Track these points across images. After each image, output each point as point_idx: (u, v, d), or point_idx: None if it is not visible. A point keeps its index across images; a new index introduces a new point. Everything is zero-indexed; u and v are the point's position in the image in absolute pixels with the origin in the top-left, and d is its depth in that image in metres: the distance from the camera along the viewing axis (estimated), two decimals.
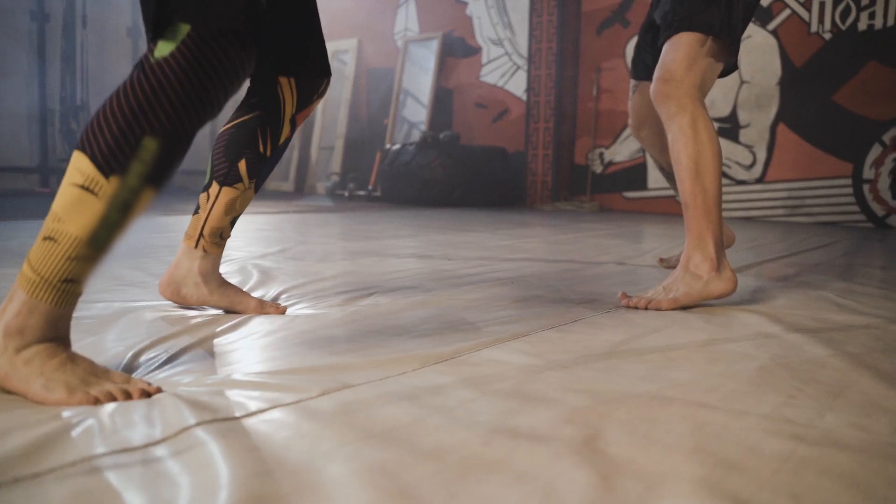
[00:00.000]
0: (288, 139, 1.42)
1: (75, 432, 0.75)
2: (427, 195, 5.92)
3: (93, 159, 0.88)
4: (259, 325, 1.29)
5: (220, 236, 1.41)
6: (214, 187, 1.39)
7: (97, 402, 0.84)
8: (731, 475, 0.69)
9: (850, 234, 4.09)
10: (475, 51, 6.82)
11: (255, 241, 2.74)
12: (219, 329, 1.26)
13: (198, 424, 0.77)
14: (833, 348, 1.22)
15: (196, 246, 1.40)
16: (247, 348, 1.14)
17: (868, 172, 4.70)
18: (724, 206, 5.26)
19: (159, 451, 0.70)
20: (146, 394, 0.87)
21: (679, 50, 1.62)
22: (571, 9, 6.13)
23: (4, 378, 0.87)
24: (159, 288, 1.43)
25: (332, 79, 7.11)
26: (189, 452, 0.70)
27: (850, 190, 4.76)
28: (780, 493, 0.65)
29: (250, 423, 0.79)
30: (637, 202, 5.85)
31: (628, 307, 1.58)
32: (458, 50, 6.95)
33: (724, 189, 5.33)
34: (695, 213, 1.61)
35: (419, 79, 7.18)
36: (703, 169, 1.60)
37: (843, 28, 4.77)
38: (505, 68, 6.63)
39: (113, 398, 0.85)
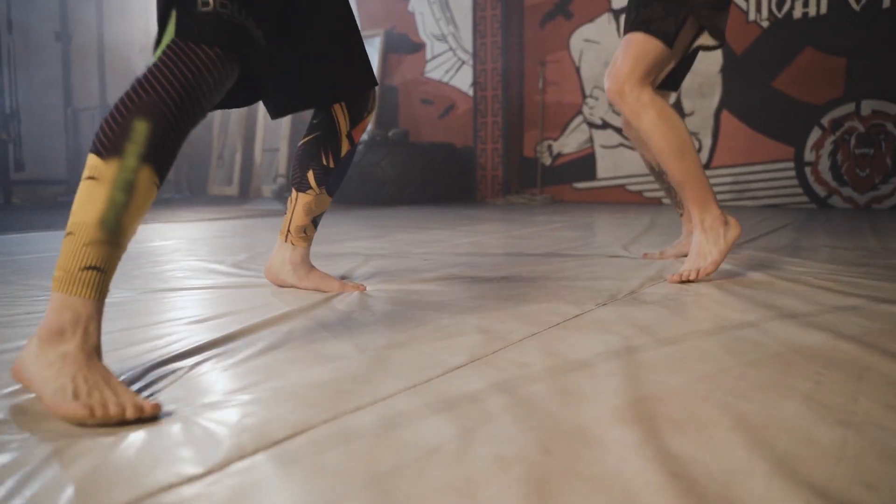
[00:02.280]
0: (350, 151, 1.66)
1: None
2: (378, 194, 5.87)
3: (94, 151, 1.00)
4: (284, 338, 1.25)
5: (304, 232, 1.71)
6: (294, 193, 1.69)
7: (92, 416, 0.83)
8: (798, 466, 0.69)
9: (797, 215, 4.23)
10: (419, 47, 6.79)
11: (219, 250, 2.66)
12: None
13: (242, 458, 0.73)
14: (833, 331, 1.24)
15: (286, 240, 1.71)
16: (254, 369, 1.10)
17: (809, 155, 4.87)
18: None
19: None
20: (140, 411, 0.84)
21: (632, 48, 1.82)
22: (514, 2, 6.15)
23: (28, 375, 0.91)
24: (265, 273, 1.78)
25: None
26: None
27: (792, 173, 4.92)
28: (853, 482, 0.66)
29: (295, 446, 0.76)
30: (587, 192, 5.93)
31: (682, 282, 1.77)
32: (401, 46, 6.91)
33: None
34: (692, 186, 1.80)
35: None
36: (684, 150, 1.79)
37: (779, 16, 4.92)
38: (450, 64, 6.63)
39: (106, 411, 0.83)
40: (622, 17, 5.63)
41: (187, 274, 2.02)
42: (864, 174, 4.70)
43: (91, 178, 0.98)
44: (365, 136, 6.67)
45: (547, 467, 0.70)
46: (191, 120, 1.06)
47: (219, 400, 0.91)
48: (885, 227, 3.44)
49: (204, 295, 1.69)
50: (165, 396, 0.93)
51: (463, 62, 6.52)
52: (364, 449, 0.74)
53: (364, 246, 2.76)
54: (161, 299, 1.64)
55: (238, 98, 1.34)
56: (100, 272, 0.95)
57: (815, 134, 4.83)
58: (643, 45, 1.79)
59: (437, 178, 6.06)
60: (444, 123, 6.68)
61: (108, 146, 0.98)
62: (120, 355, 1.13)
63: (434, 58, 6.71)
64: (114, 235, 0.96)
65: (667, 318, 1.38)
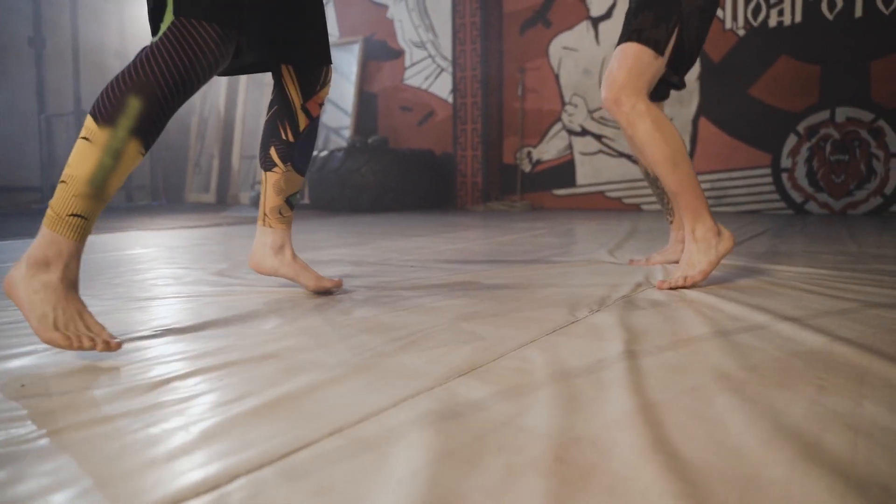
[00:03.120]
0: (309, 126, 1.67)
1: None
2: (358, 201, 5.84)
3: (92, 115, 1.14)
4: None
5: (280, 213, 1.70)
6: (263, 174, 1.69)
7: (69, 345, 1.07)
8: (812, 471, 0.69)
9: (775, 221, 4.27)
10: (398, 54, 6.79)
11: (201, 258, 2.62)
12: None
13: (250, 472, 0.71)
14: (829, 335, 1.25)
15: (264, 224, 1.71)
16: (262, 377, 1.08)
17: (786, 161, 4.93)
18: (652, 199, 5.43)
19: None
20: (107, 347, 1.08)
21: (627, 58, 1.82)
22: (493, 10, 6.17)
23: (16, 294, 1.11)
24: (249, 262, 1.75)
25: (253, 87, 6.95)
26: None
27: (769, 179, 4.98)
28: (870, 486, 0.65)
29: (318, 453, 0.74)
30: (567, 199, 5.95)
31: (670, 289, 1.76)
32: (380, 53, 6.90)
33: None
34: (685, 196, 1.80)
35: (337, 83, 7.08)
36: (678, 160, 1.79)
37: (755, 25, 4.99)
38: (429, 71, 6.63)
39: (81, 346, 1.07)
40: (600, 25, 5.67)
41: (169, 282, 1.99)
42: (840, 180, 4.77)
43: (86, 138, 1.13)
44: (345, 142, 6.64)
45: (561, 476, 0.69)
46: (183, 98, 1.18)
47: (216, 412, 0.89)
48: (862, 232, 3.49)
49: (190, 304, 1.66)
50: (165, 408, 0.91)
51: (442, 69, 6.52)
52: (373, 460, 0.73)
53: (348, 253, 2.73)
54: (145, 308, 1.61)
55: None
56: (83, 219, 1.14)
57: (792, 141, 4.90)
58: (636, 55, 1.80)
59: (418, 184, 6.05)
60: (423, 130, 6.68)
61: (105, 114, 1.13)
62: (114, 366, 1.10)
63: (413, 65, 6.70)
64: (99, 191, 1.14)
65: (662, 324, 1.38)
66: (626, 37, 1.84)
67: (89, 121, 1.15)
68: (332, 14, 7.19)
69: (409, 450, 0.75)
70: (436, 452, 0.74)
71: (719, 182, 5.17)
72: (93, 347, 1.07)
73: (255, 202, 6.88)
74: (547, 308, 1.56)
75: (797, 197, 4.91)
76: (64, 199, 1.13)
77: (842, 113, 4.74)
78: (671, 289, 1.77)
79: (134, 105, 1.13)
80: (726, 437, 0.78)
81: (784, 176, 4.94)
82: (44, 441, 0.79)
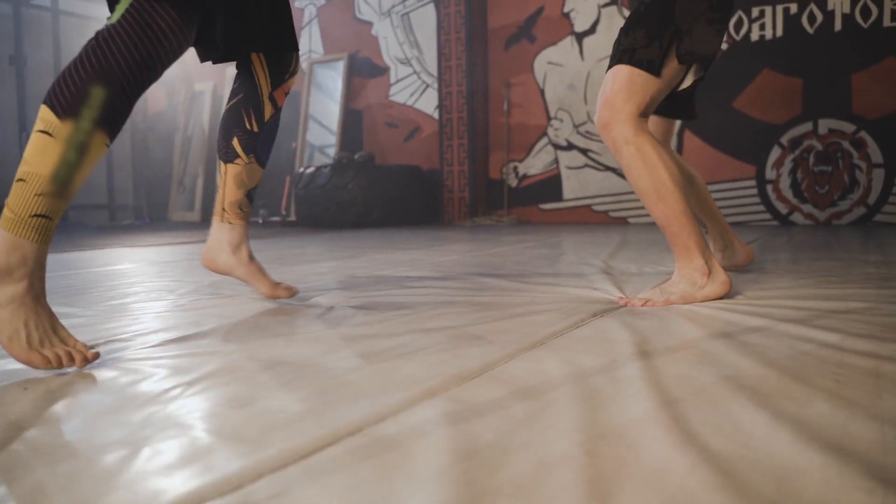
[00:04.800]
0: (273, 116, 1.59)
1: None
2: (345, 217, 5.82)
3: (51, 107, 1.05)
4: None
5: (240, 208, 1.61)
6: (222, 166, 1.60)
7: (48, 364, 1.00)
8: (847, 459, 0.68)
9: (761, 231, 4.31)
10: (383, 70, 6.80)
11: (192, 271, 2.59)
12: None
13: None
14: (837, 332, 1.25)
15: (222, 220, 1.62)
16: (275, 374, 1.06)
17: (770, 173, 4.98)
18: (638, 211, 5.45)
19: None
20: (85, 360, 1.04)
21: (617, 81, 1.70)
22: (478, 25, 6.22)
23: None
24: (202, 258, 1.66)
25: None
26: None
27: (755, 191, 5.03)
28: None
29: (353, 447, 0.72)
30: (553, 213, 5.97)
31: (627, 305, 1.64)
32: (365, 70, 6.91)
33: (637, 196, 5.52)
34: (672, 232, 1.68)
35: (322, 101, 7.08)
36: (663, 192, 1.66)
37: (737, 39, 5.06)
38: (414, 87, 6.64)
39: (60, 364, 1.01)
40: (585, 40, 5.73)
41: (164, 294, 1.96)
42: (824, 191, 4.82)
43: (45, 132, 1.04)
44: (330, 160, 6.63)
45: (594, 469, 0.68)
46: (146, 85, 1.12)
47: (229, 414, 0.87)
48: (849, 241, 3.52)
49: (189, 313, 1.63)
50: (180, 412, 0.88)
51: (427, 85, 6.54)
52: (400, 458, 0.71)
53: (341, 265, 2.71)
54: (145, 318, 1.58)
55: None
56: (48, 220, 1.05)
57: (776, 152, 4.96)
58: (628, 78, 1.68)
59: (404, 200, 6.05)
60: (409, 146, 6.68)
61: (65, 106, 1.04)
62: (127, 370, 1.07)
63: (398, 81, 6.72)
64: (64, 189, 1.06)
65: (668, 327, 1.38)
66: (616, 58, 1.72)
67: (47, 113, 1.05)
68: (317, 31, 7.20)
69: (433, 448, 0.74)
70: (461, 450, 0.73)
71: None
72: (72, 365, 1.02)
73: None
74: (549, 313, 1.55)
75: (782, 208, 4.96)
76: (24, 198, 1.04)
77: (824, 125, 4.80)
78: (630, 306, 1.63)
79: (97, 94, 1.05)
80: (754, 430, 0.77)
81: (769, 187, 4.99)
82: (61, 442, 0.77)
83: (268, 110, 1.58)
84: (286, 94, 1.61)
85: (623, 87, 1.68)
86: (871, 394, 0.90)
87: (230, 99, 1.60)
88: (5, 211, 1.05)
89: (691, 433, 0.76)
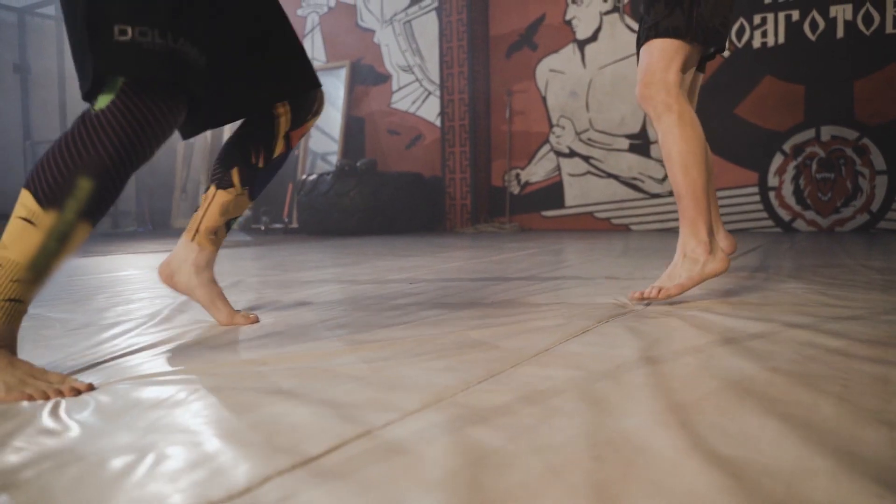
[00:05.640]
0: (284, 154, 1.50)
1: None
2: (347, 224, 5.82)
3: (34, 195, 1.02)
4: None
5: (215, 234, 1.52)
6: (212, 190, 1.50)
7: (31, 398, 0.96)
8: (857, 463, 0.68)
9: (764, 238, 4.30)
10: (385, 78, 6.82)
11: None
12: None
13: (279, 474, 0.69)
14: (844, 338, 1.25)
15: (192, 239, 1.52)
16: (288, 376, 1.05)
17: (773, 180, 4.98)
18: (641, 218, 5.45)
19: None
20: (76, 391, 0.98)
21: (653, 54, 1.77)
22: (480, 33, 6.23)
23: None
24: (158, 270, 1.56)
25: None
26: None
27: (757, 198, 5.03)
28: None
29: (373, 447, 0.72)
30: (555, 220, 5.97)
31: (641, 299, 1.72)
32: (367, 78, 6.93)
33: (639, 203, 5.53)
34: (687, 203, 1.75)
35: (323, 109, 7.08)
36: (691, 163, 1.73)
37: (739, 46, 5.07)
38: (416, 94, 6.66)
39: (46, 396, 0.96)
40: (586, 48, 5.74)
41: (168, 301, 1.96)
42: (826, 198, 4.82)
43: (27, 220, 1.02)
44: (332, 167, 6.64)
45: (602, 474, 0.67)
46: (134, 170, 1.08)
47: (235, 418, 0.87)
48: (853, 247, 3.52)
49: (195, 320, 1.63)
50: (185, 417, 0.88)
51: (429, 93, 6.56)
52: (408, 462, 0.71)
53: (344, 272, 2.71)
54: (151, 325, 1.58)
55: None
56: (21, 303, 1.03)
57: (778, 159, 4.96)
58: (661, 49, 1.75)
59: (406, 207, 6.05)
60: (411, 154, 6.69)
61: (50, 196, 1.01)
62: (135, 377, 1.07)
63: (400, 88, 6.73)
64: (40, 276, 1.04)
65: (674, 332, 1.37)
66: (644, 36, 1.80)
67: (29, 200, 1.02)
68: (319, 39, 7.22)
69: (441, 452, 0.74)
70: (468, 456, 0.73)
71: None
72: (60, 395, 0.97)
73: (244, 226, 6.85)
74: (554, 319, 1.54)
75: (785, 215, 4.95)
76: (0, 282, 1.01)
77: (827, 132, 4.80)
78: (643, 299, 1.72)
79: (84, 187, 1.02)
80: (761, 434, 0.77)
81: (772, 194, 4.98)
82: (68, 446, 0.77)
83: (279, 148, 1.49)
84: (303, 136, 1.53)
85: (659, 59, 1.75)
86: (880, 399, 0.90)
87: (240, 127, 1.50)
88: None
89: (698, 438, 0.76)
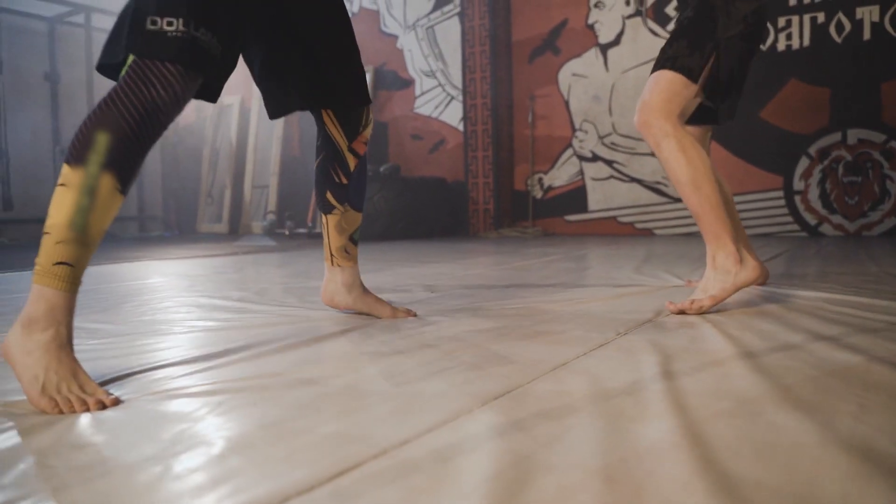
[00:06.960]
0: (359, 165, 1.70)
1: None
2: (370, 229, 5.86)
3: (66, 160, 1.13)
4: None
5: (346, 251, 1.75)
6: (322, 217, 1.75)
7: (56, 409, 1.00)
8: (871, 489, 0.68)
9: (790, 243, 4.27)
10: (408, 83, 6.85)
11: (222, 286, 2.63)
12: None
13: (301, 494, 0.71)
14: (865, 354, 1.24)
15: (332, 264, 1.76)
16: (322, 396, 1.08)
17: (798, 184, 4.93)
18: (665, 223, 5.43)
19: None
20: (103, 405, 1.02)
21: (659, 84, 1.83)
22: (502, 38, 6.25)
23: (11, 356, 1.06)
24: (322, 298, 1.81)
25: (264, 118, 7.05)
26: None
27: (782, 202, 4.98)
28: None
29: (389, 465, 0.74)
30: (579, 225, 5.96)
31: (677, 312, 1.74)
32: (390, 83, 6.97)
33: (663, 207, 5.50)
34: (707, 220, 1.78)
35: None
36: (700, 182, 1.77)
37: (763, 49, 5.02)
38: (439, 99, 6.69)
39: (73, 409, 1.00)
40: (609, 52, 5.73)
41: (193, 310, 1.99)
42: (853, 202, 4.76)
43: (62, 184, 1.11)
44: None
45: (614, 496, 0.69)
46: (151, 133, 1.17)
47: (256, 436, 0.89)
48: (880, 252, 3.47)
49: (218, 331, 1.67)
50: (208, 431, 0.91)
51: (452, 98, 6.58)
52: (423, 482, 0.73)
53: (366, 279, 2.74)
54: (174, 336, 1.61)
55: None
56: (70, 266, 1.09)
57: (804, 163, 4.91)
58: (669, 81, 1.81)
59: (429, 212, 6.08)
60: (434, 158, 6.72)
61: (76, 155, 1.11)
62: (155, 392, 1.10)
63: (423, 93, 6.77)
64: (82, 234, 1.10)
65: (693, 345, 1.38)
66: (660, 65, 1.85)
67: (64, 167, 1.13)
68: None
69: (456, 471, 0.75)
70: (484, 473, 0.74)
71: None
72: (85, 410, 1.00)
73: (269, 231, 6.92)
74: (574, 331, 1.55)
75: (811, 219, 4.90)
76: (47, 249, 1.09)
77: (853, 135, 4.75)
78: (679, 313, 1.74)
79: (101, 140, 1.11)
80: (774, 455, 0.78)
81: (797, 198, 4.94)
82: (96, 459, 0.80)
83: (351, 162, 1.68)
84: (365, 143, 1.70)
85: (664, 90, 1.81)
86: (894, 417, 0.89)
87: (317, 156, 1.71)
88: (35, 265, 1.10)
89: (711, 458, 0.77)
